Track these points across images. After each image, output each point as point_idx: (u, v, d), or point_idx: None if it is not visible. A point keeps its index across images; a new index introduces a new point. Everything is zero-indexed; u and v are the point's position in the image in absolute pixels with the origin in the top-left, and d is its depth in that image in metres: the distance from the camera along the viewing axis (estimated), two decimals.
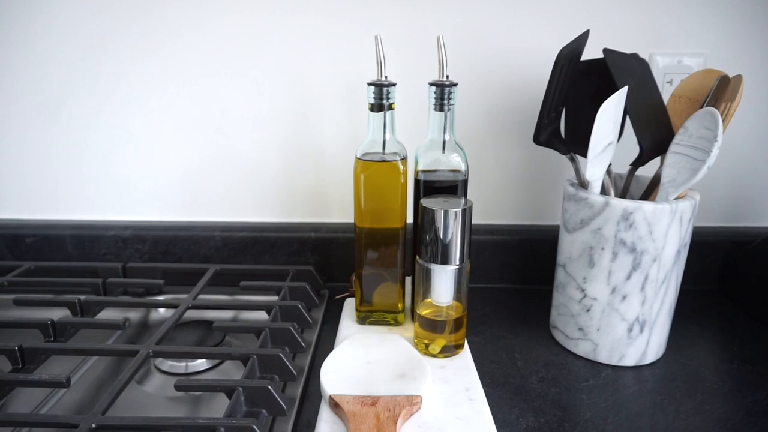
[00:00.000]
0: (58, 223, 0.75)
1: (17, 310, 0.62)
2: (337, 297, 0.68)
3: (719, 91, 0.53)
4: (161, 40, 0.69)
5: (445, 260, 0.52)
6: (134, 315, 0.67)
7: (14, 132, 0.73)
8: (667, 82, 0.67)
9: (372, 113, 0.55)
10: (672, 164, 0.52)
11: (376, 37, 0.53)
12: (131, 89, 0.71)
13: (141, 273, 0.69)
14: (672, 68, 0.67)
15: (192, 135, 0.72)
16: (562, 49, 0.54)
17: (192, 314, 0.63)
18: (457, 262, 0.53)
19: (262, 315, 0.64)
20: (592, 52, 0.57)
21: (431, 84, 0.55)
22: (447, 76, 0.54)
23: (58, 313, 0.59)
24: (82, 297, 0.62)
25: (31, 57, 0.70)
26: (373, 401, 0.46)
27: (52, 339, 0.56)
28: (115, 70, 0.70)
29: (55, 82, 0.70)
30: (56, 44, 0.69)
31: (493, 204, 0.74)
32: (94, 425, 0.41)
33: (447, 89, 0.54)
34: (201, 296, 0.63)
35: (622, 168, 0.60)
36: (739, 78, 0.51)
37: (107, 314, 0.64)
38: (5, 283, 0.65)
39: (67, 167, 0.74)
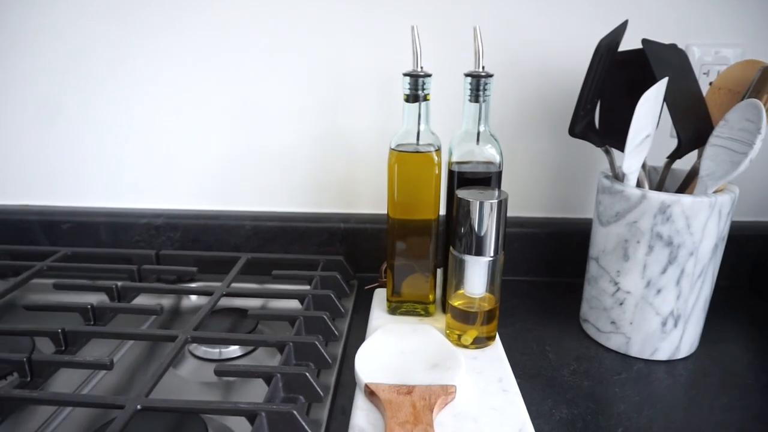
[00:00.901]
0: (92, 210, 0.77)
1: (57, 294, 0.64)
2: (367, 287, 0.69)
3: (761, 83, 0.52)
4: (199, 28, 0.69)
5: (480, 251, 0.52)
6: (166, 302, 0.68)
7: (50, 120, 0.74)
8: (704, 74, 0.66)
9: (407, 104, 0.55)
10: (711, 157, 0.51)
11: (412, 27, 0.53)
12: (168, 79, 0.71)
13: (174, 260, 0.70)
14: (709, 59, 0.66)
15: (225, 125, 0.73)
16: (602, 39, 0.53)
17: (224, 302, 0.64)
18: (492, 254, 0.53)
19: (291, 303, 0.65)
20: (626, 43, 0.56)
21: (467, 75, 0.54)
22: (483, 67, 0.54)
23: (96, 298, 0.61)
24: (119, 283, 0.63)
25: (75, 42, 0.71)
26: (409, 390, 0.46)
27: (92, 323, 0.58)
28: (151, 61, 0.71)
29: (92, 71, 0.71)
30: (100, 22, 0.70)
31: (523, 196, 0.73)
32: (139, 407, 0.42)
33: (483, 80, 0.54)
34: (233, 284, 0.64)
35: (657, 161, 0.60)
36: None
37: (142, 300, 0.66)
38: (45, 267, 0.67)
39: (102, 155, 0.75)
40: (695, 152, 0.56)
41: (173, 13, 0.69)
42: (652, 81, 0.50)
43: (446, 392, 0.46)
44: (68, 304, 0.59)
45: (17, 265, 0.69)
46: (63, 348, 0.53)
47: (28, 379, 0.48)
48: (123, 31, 0.70)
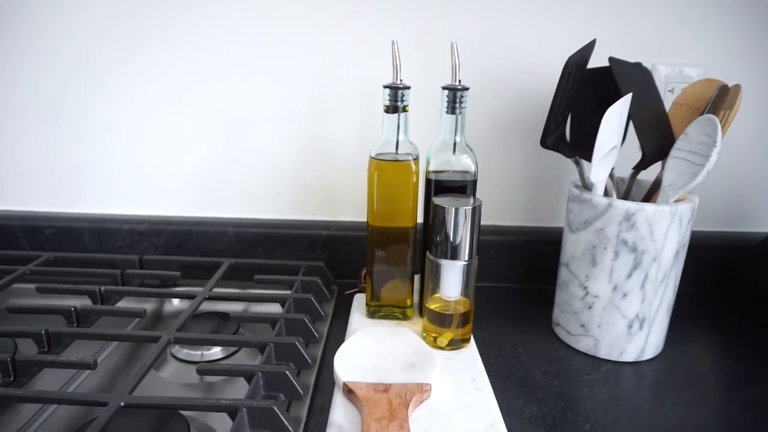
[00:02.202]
0: (76, 216, 0.77)
1: (40, 297, 0.64)
2: (347, 292, 0.71)
3: (719, 100, 0.56)
4: (184, 37, 0.71)
5: (455, 256, 0.55)
6: (149, 306, 0.69)
7: (35, 125, 0.75)
8: (669, 91, 0.69)
9: (387, 114, 0.58)
10: (673, 168, 0.54)
11: (392, 42, 0.56)
12: (150, 87, 0.73)
13: (157, 265, 0.71)
14: (673, 77, 0.69)
15: (209, 133, 0.75)
16: (570, 57, 0.56)
17: (206, 306, 0.65)
18: (466, 258, 0.55)
19: (274, 308, 0.66)
20: (597, 61, 0.59)
21: (444, 88, 0.57)
22: (459, 81, 0.57)
23: (79, 302, 0.61)
24: (103, 287, 0.64)
25: (60, 48, 0.72)
26: (385, 388, 0.48)
27: (75, 325, 0.58)
28: (136, 66, 0.72)
29: (79, 76, 0.73)
30: (84, 35, 0.71)
31: (499, 205, 0.76)
32: (122, 403, 0.43)
33: (459, 93, 0.56)
34: (216, 289, 0.65)
35: (624, 172, 0.63)
36: (737, 87, 0.54)
37: (125, 304, 0.66)
38: (27, 271, 0.67)
39: (86, 161, 0.76)
40: (659, 164, 0.59)
41: (159, 23, 0.70)
42: (619, 96, 0.54)
43: (421, 390, 0.48)
44: (51, 306, 0.59)
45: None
46: (46, 349, 0.54)
47: (12, 378, 0.49)
48: (106, 41, 0.71)
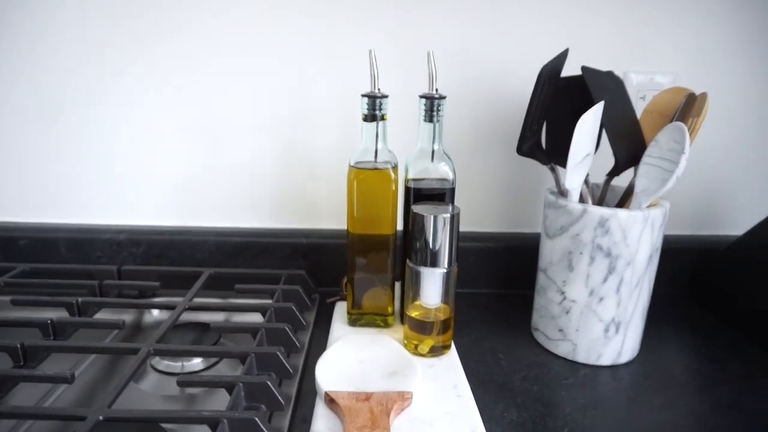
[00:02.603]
0: (52, 226, 0.76)
1: (15, 310, 0.63)
2: (328, 300, 0.71)
3: (687, 108, 0.57)
4: (158, 45, 0.71)
5: (434, 263, 0.55)
6: (128, 317, 0.68)
7: (9, 135, 0.74)
8: (641, 98, 0.71)
9: (365, 123, 0.58)
10: (644, 174, 0.56)
11: (370, 51, 0.56)
12: (128, 94, 0.73)
13: (136, 276, 0.71)
14: (645, 85, 0.71)
15: (187, 141, 0.74)
16: (544, 66, 0.57)
17: (187, 317, 0.65)
18: (446, 266, 0.56)
19: (255, 317, 0.66)
20: (571, 69, 0.61)
21: (421, 96, 0.58)
22: (436, 90, 0.57)
23: (56, 314, 0.60)
24: (80, 298, 0.63)
25: (28, 60, 0.71)
26: (367, 397, 0.48)
27: (52, 338, 0.58)
28: (111, 74, 0.72)
29: (51, 86, 0.72)
30: (52, 47, 0.70)
31: (478, 212, 0.77)
32: (101, 417, 0.42)
33: (436, 101, 0.57)
34: (196, 299, 0.65)
35: (599, 178, 0.64)
36: (704, 95, 0.56)
37: (103, 315, 0.66)
38: (1, 284, 0.66)
39: (62, 170, 0.75)
40: (632, 170, 0.61)
41: (138, 36, 0.70)
42: (591, 104, 0.55)
43: (402, 398, 0.48)
44: (27, 319, 0.58)
45: None
46: (22, 363, 0.53)
47: None
48: (84, 51, 0.71)
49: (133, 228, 0.76)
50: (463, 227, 0.77)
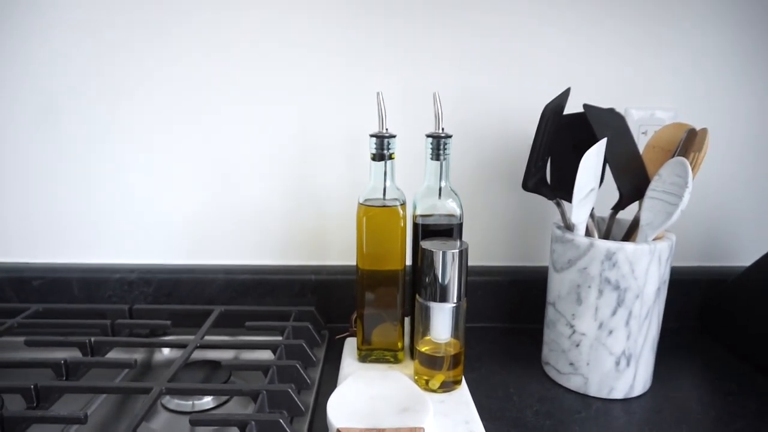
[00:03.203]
0: (64, 266, 0.77)
1: (29, 351, 0.64)
2: (338, 336, 0.71)
3: (688, 142, 0.59)
4: (168, 85, 0.73)
5: (444, 298, 0.56)
6: (140, 356, 0.68)
7: (21, 175, 0.76)
8: (642, 133, 0.72)
9: (374, 162, 0.60)
10: (649, 208, 0.57)
11: (377, 93, 0.58)
12: (138, 134, 0.75)
13: (147, 314, 0.71)
14: (646, 121, 0.73)
15: (197, 180, 0.76)
16: (547, 104, 0.59)
17: (198, 354, 0.65)
18: (455, 301, 0.56)
19: (265, 355, 0.66)
20: (573, 106, 0.62)
21: (428, 135, 0.59)
22: (443, 129, 0.59)
23: (69, 354, 0.61)
24: (93, 338, 0.63)
25: (39, 102, 0.73)
26: None
27: (64, 378, 0.58)
28: (121, 114, 0.74)
29: (62, 129, 0.74)
30: (59, 83, 0.73)
31: (485, 246, 0.78)
32: None
33: (443, 140, 0.59)
34: (207, 337, 0.65)
35: (604, 212, 0.65)
36: (704, 131, 0.57)
37: (115, 354, 0.66)
38: (15, 324, 0.67)
39: (72, 210, 0.77)
40: (637, 203, 0.62)
41: (149, 70, 0.73)
42: (594, 141, 0.56)
43: None
44: (40, 360, 0.59)
45: None
46: (35, 404, 0.53)
47: None
48: (96, 91, 0.73)
49: (143, 267, 0.77)
50: (471, 261, 0.77)
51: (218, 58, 0.72)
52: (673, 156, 0.59)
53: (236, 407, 0.59)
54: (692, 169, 0.53)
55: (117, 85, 0.73)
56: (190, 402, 0.59)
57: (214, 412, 0.57)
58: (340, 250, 0.78)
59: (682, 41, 0.72)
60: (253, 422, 0.47)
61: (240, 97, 0.74)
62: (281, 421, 0.47)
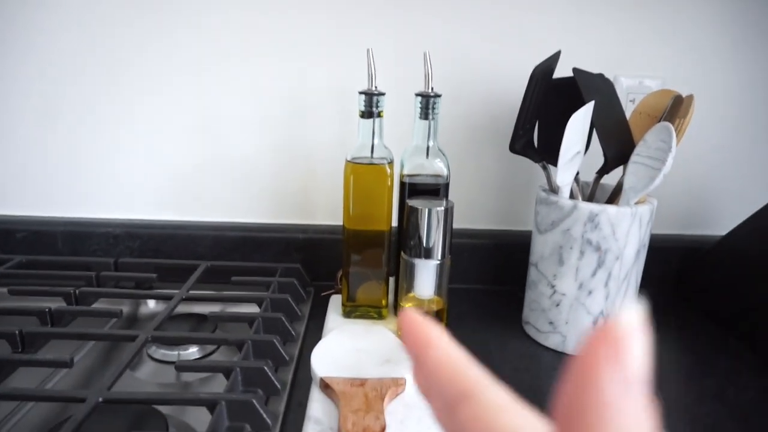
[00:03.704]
0: (49, 220, 0.77)
1: (13, 300, 0.64)
2: (323, 293, 0.72)
3: (674, 109, 0.59)
4: (156, 41, 0.72)
5: (428, 255, 0.57)
6: (125, 308, 0.68)
7: (8, 129, 0.75)
8: (630, 101, 0.73)
9: (362, 120, 0.60)
10: (633, 172, 0.58)
11: (368, 50, 0.58)
12: (126, 89, 0.73)
13: (133, 268, 0.72)
14: (634, 88, 0.73)
15: (185, 136, 0.75)
16: (537, 66, 0.59)
17: (183, 308, 0.66)
18: (439, 258, 0.57)
19: (251, 309, 0.67)
20: (562, 72, 0.62)
21: (417, 94, 0.59)
22: (432, 88, 0.59)
23: (54, 304, 0.61)
24: (78, 288, 0.64)
25: (27, 57, 0.72)
26: (362, 382, 0.50)
27: (50, 326, 0.58)
28: (110, 72, 0.73)
29: (51, 83, 0.73)
30: (51, 43, 0.71)
31: (470, 209, 0.79)
32: (100, 399, 0.43)
33: (432, 99, 0.59)
34: (192, 291, 0.66)
35: (589, 177, 0.66)
36: (690, 97, 0.58)
37: (101, 305, 0.66)
38: None
39: (60, 165, 0.76)
40: (621, 169, 0.63)
41: (135, 30, 0.71)
42: (582, 105, 0.57)
43: (397, 384, 0.50)
44: (25, 308, 0.59)
45: None
46: (20, 350, 0.53)
47: None
48: (83, 49, 0.72)
49: (130, 222, 0.77)
50: (456, 224, 0.78)
51: (207, 17, 0.71)
52: (659, 122, 0.60)
53: (221, 359, 0.60)
54: (677, 135, 0.54)
55: (107, 44, 0.72)
56: (176, 352, 0.59)
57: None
58: (327, 210, 0.78)
59: (671, 8, 0.72)
60: (238, 369, 0.48)
61: (229, 55, 0.72)
62: (266, 368, 0.48)
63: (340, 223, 0.63)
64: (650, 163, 0.56)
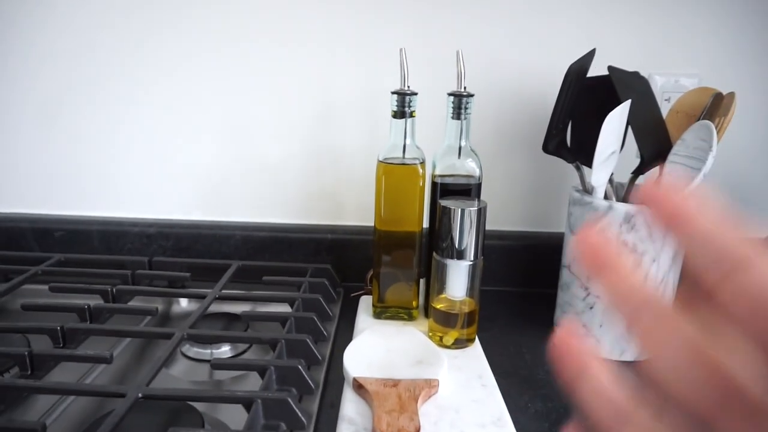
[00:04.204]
0: (85, 219, 0.79)
1: (53, 297, 0.65)
2: (353, 294, 0.72)
3: (714, 107, 0.58)
4: (191, 44, 0.73)
5: (461, 256, 0.56)
6: (159, 306, 0.70)
7: (45, 130, 0.76)
8: (665, 100, 0.72)
9: (394, 120, 0.60)
10: (670, 172, 0.56)
11: (401, 50, 0.58)
12: (161, 92, 0.75)
13: (166, 267, 0.73)
14: (669, 87, 0.72)
15: (217, 137, 0.76)
16: (571, 65, 0.58)
17: (215, 307, 0.66)
18: (472, 259, 0.57)
19: (282, 308, 0.67)
20: (596, 70, 0.61)
21: (450, 94, 0.59)
22: (465, 87, 0.59)
23: (92, 301, 0.62)
24: (115, 286, 0.65)
25: (60, 53, 0.73)
26: (395, 383, 0.49)
27: (89, 322, 0.60)
28: (146, 73, 0.74)
29: (88, 81, 0.75)
30: (93, 40, 0.73)
31: (501, 211, 0.78)
32: (140, 395, 0.44)
33: (464, 99, 0.58)
34: (225, 290, 0.67)
35: (623, 178, 0.65)
36: (732, 95, 0.56)
37: (136, 303, 0.68)
38: (39, 272, 0.68)
39: (97, 165, 0.78)
40: (657, 169, 0.61)
41: (169, 28, 0.73)
42: (618, 103, 0.56)
43: (430, 385, 0.49)
44: (65, 305, 0.60)
45: (10, 269, 0.70)
46: (61, 345, 0.55)
47: (29, 372, 0.50)
48: (120, 44, 0.73)
49: (163, 222, 0.79)
50: (487, 225, 0.78)
51: (239, 15, 0.72)
52: (697, 121, 0.59)
53: (254, 358, 0.60)
54: (717, 134, 0.53)
55: (143, 43, 0.73)
56: (209, 351, 0.60)
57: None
58: (356, 211, 0.79)
59: (706, 5, 0.71)
60: (272, 367, 0.48)
61: (261, 56, 0.73)
62: (300, 367, 0.48)
63: (369, 223, 0.63)
64: (689, 163, 0.55)
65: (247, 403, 0.44)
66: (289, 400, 0.44)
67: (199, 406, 0.48)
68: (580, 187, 0.63)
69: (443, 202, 0.56)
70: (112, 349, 0.58)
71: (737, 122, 0.70)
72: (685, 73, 0.72)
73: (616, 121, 0.55)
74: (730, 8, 0.71)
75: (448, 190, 0.61)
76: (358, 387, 0.50)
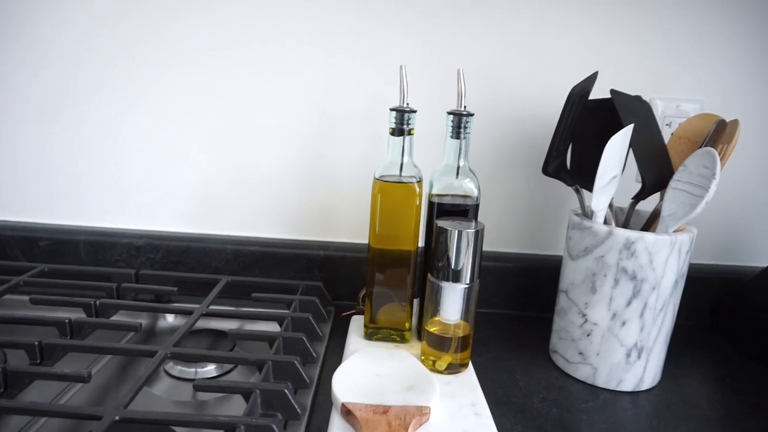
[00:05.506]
0: (72, 228, 0.77)
1: (34, 309, 0.63)
2: (344, 314, 0.70)
3: (717, 134, 0.57)
4: (186, 52, 0.72)
5: (456, 279, 0.55)
6: (144, 322, 0.68)
7: (35, 137, 0.75)
8: (666, 125, 0.71)
9: (392, 137, 0.58)
10: (672, 199, 0.55)
11: (401, 67, 0.57)
12: (153, 102, 0.73)
13: (153, 280, 0.71)
14: (671, 112, 0.71)
15: (210, 150, 0.75)
16: (574, 87, 0.58)
17: (202, 323, 0.64)
18: (468, 281, 0.55)
19: (271, 327, 0.66)
20: (598, 94, 0.61)
21: (449, 113, 0.58)
22: (465, 107, 0.58)
23: (74, 314, 0.60)
24: (98, 300, 0.63)
25: (53, 64, 0.72)
26: (385, 410, 0.48)
27: (69, 337, 0.57)
28: (138, 81, 0.73)
29: (80, 92, 0.73)
30: (86, 49, 0.72)
31: (497, 232, 0.77)
32: (117, 418, 0.42)
33: (464, 118, 0.57)
34: (212, 306, 0.65)
35: (623, 203, 0.64)
36: (735, 122, 0.56)
37: (120, 318, 0.65)
38: (21, 282, 0.66)
39: (85, 175, 0.76)
40: (658, 195, 0.60)
41: (163, 38, 0.71)
42: (619, 127, 0.55)
43: (421, 413, 0.47)
44: (45, 318, 0.58)
45: None
46: (38, 361, 0.52)
47: (2, 390, 0.47)
48: (109, 53, 0.72)
49: (152, 233, 0.77)
50: (484, 246, 0.76)
51: (235, 26, 0.71)
52: (700, 148, 0.58)
53: (239, 378, 0.58)
54: (720, 162, 0.52)
55: (132, 51, 0.72)
56: (193, 369, 0.58)
57: (218, 379, 0.56)
58: (349, 228, 0.77)
59: (709, 31, 0.70)
60: (257, 391, 0.46)
61: (256, 68, 0.72)
62: (286, 391, 0.46)
63: (361, 241, 0.62)
64: (691, 190, 0.54)
65: (230, 429, 0.42)
66: (274, 426, 0.42)
67: (179, 429, 0.46)
68: (580, 211, 0.62)
69: (440, 223, 0.55)
70: (91, 367, 0.56)
71: (739, 149, 0.70)
72: (687, 99, 0.72)
73: (618, 146, 0.54)
74: (734, 35, 0.70)
75: (444, 210, 0.60)
76: (347, 413, 0.48)
